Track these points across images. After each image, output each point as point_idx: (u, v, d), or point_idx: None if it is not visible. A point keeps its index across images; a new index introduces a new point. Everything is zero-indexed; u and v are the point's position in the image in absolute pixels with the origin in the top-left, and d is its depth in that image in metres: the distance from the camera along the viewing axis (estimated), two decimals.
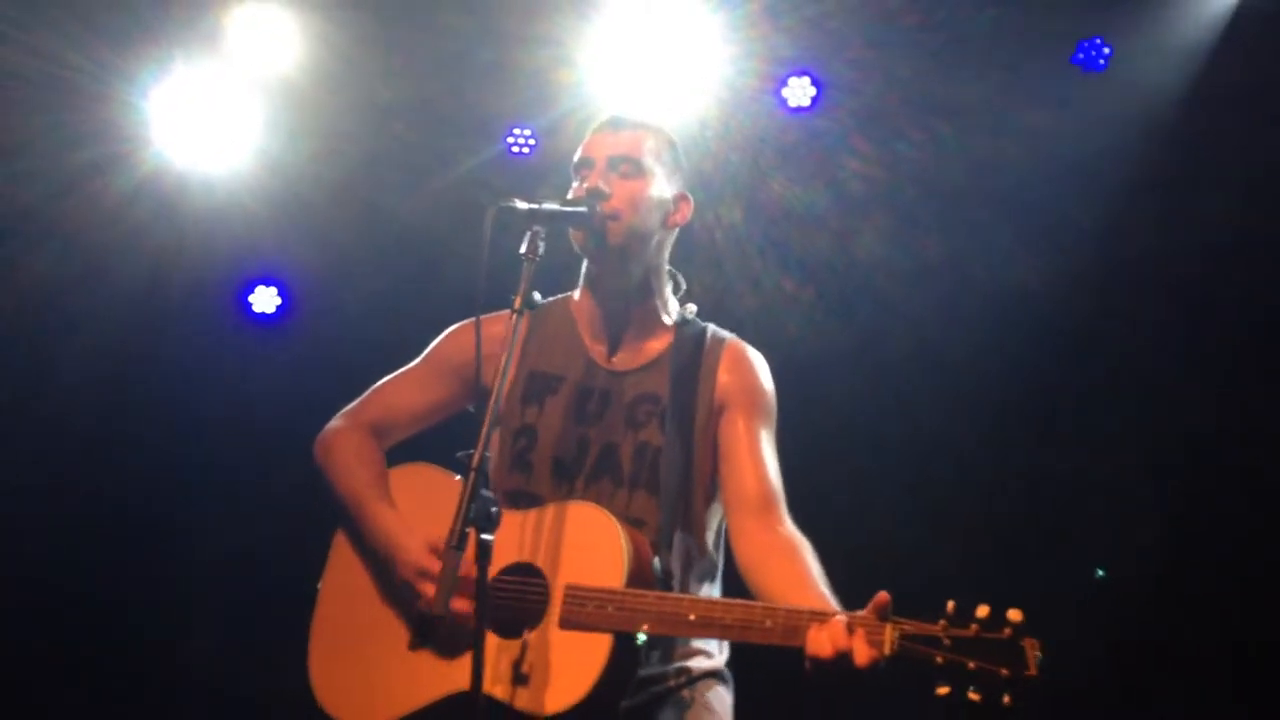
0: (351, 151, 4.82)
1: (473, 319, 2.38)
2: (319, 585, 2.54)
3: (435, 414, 2.59)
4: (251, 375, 5.09)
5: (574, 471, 2.42)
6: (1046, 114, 4.36)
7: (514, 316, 2.22)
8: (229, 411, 5.03)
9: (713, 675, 2.44)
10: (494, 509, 2.06)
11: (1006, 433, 4.48)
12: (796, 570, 2.22)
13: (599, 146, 2.51)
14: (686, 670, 2.39)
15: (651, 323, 2.53)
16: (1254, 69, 4.19)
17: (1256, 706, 4.12)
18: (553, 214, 2.33)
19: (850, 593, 2.17)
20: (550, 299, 2.62)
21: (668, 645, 2.37)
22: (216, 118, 4.69)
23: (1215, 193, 4.29)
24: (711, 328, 2.55)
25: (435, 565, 2.25)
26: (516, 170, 4.82)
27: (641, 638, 2.17)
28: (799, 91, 4.57)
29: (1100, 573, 4.27)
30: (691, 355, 2.48)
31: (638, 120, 2.57)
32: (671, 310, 2.57)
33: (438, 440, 2.55)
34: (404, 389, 2.63)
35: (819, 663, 2.00)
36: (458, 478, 2.41)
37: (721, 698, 2.44)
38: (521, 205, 2.27)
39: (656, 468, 2.38)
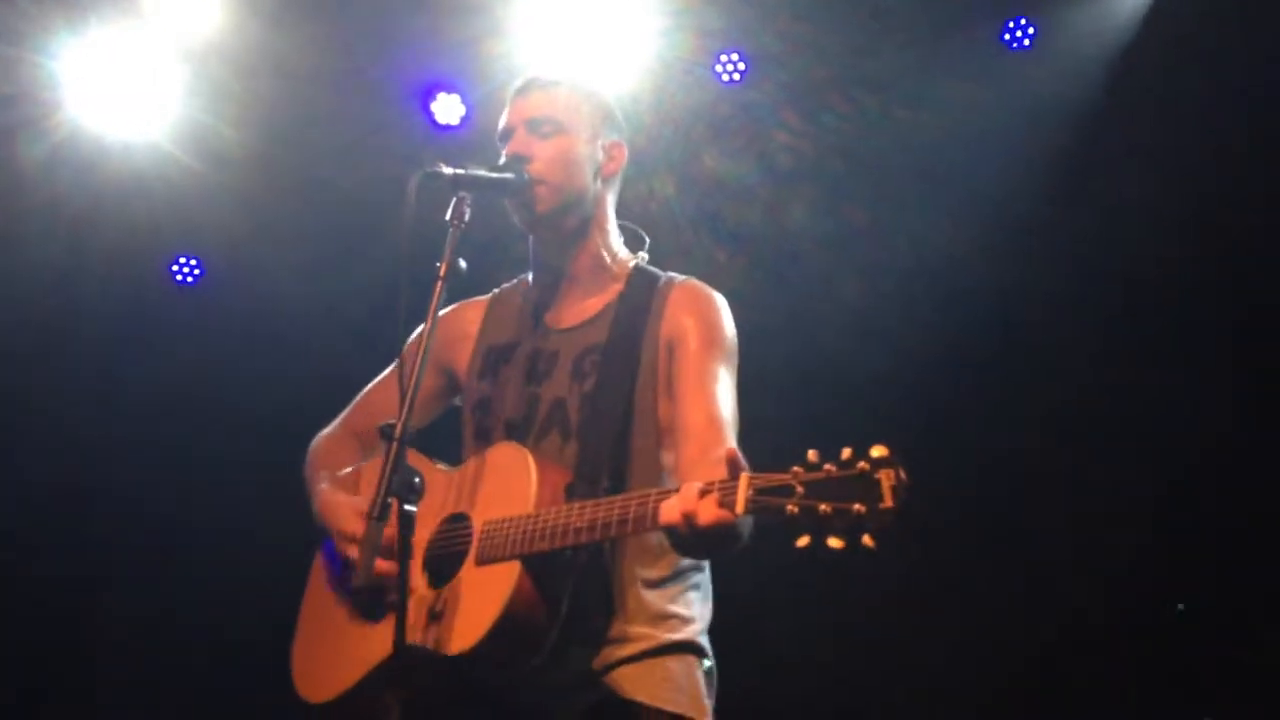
0: (275, 118, 4.72)
1: (442, 312, 2.30)
2: (306, 583, 2.54)
3: (420, 411, 2.47)
4: (173, 345, 5.01)
5: (525, 430, 2.38)
6: (971, 89, 4.43)
7: (438, 283, 2.19)
8: (150, 382, 4.95)
9: (685, 647, 2.29)
10: (416, 479, 2.04)
11: (934, 400, 4.56)
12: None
13: (517, 112, 2.47)
14: (651, 636, 2.27)
15: (600, 277, 2.48)
16: (1179, 49, 4.28)
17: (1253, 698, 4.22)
18: (478, 179, 2.29)
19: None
20: (508, 283, 2.60)
21: (633, 604, 2.27)
22: (133, 82, 4.55)
23: (1138, 170, 4.39)
24: (667, 274, 2.49)
25: (360, 529, 2.24)
26: (445, 140, 4.77)
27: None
28: (729, 65, 4.59)
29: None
30: (640, 299, 2.41)
31: (553, 78, 2.51)
32: (624, 260, 2.51)
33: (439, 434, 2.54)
34: (382, 391, 2.60)
35: (673, 533, 1.95)
36: (438, 464, 2.40)
37: (690, 672, 2.28)
38: (446, 170, 2.24)
39: (592, 411, 2.33)
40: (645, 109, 4.52)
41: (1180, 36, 4.26)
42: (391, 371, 2.61)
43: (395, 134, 4.78)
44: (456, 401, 2.60)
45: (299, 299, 4.91)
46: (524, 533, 2.12)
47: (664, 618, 2.30)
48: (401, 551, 2.01)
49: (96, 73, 4.53)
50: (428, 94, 4.80)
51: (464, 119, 4.80)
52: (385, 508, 2.01)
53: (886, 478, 1.74)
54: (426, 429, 2.52)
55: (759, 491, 1.83)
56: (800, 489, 1.78)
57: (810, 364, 4.60)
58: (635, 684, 2.24)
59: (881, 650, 4.51)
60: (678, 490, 1.97)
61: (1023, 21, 4.46)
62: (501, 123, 2.50)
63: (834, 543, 1.74)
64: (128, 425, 4.97)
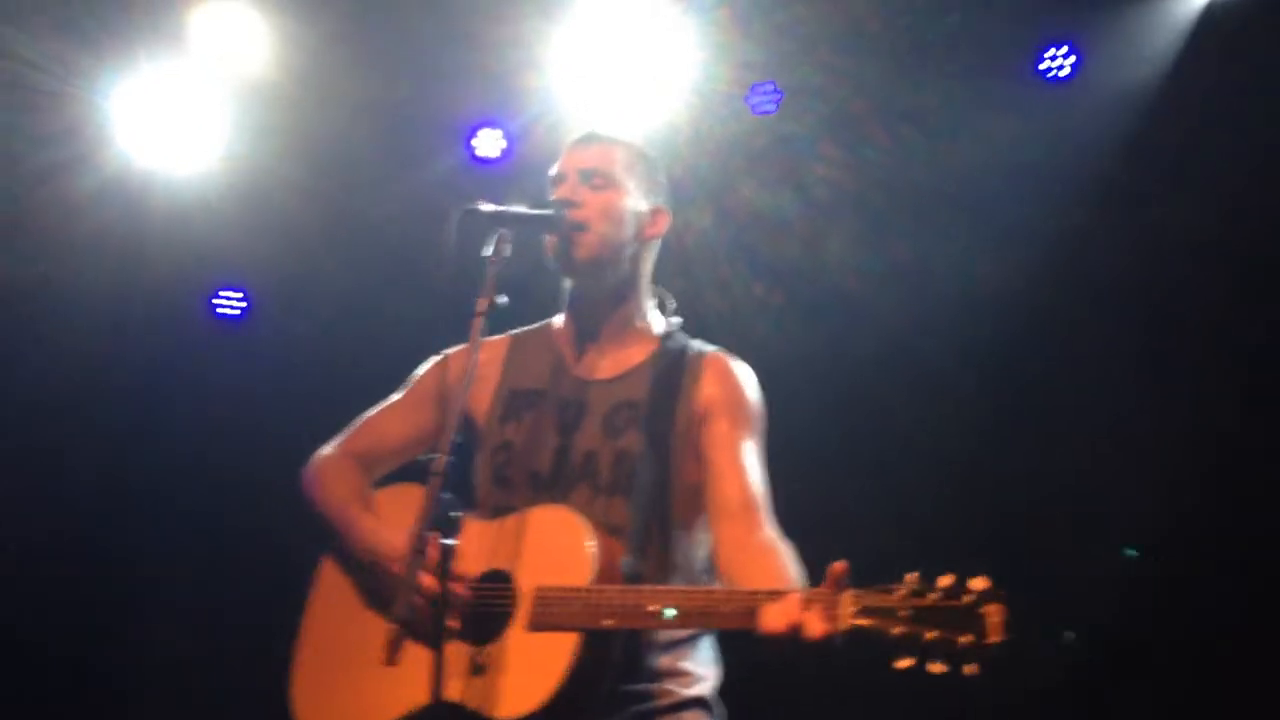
0: (318, 153, 4.78)
1: (460, 346, 2.34)
2: (304, 610, 2.51)
3: (420, 443, 2.55)
4: (216, 379, 5.05)
5: (551, 481, 2.40)
6: (1011, 120, 4.40)
7: (478, 318, 2.21)
8: (193, 415, 4.99)
9: (699, 704, 2.37)
10: (453, 514, 2.04)
11: (976, 433, 4.53)
12: (770, 570, 2.17)
13: (571, 160, 2.53)
14: (670, 693, 2.33)
15: (631, 334, 2.52)
16: (1220, 78, 4.24)
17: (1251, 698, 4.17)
18: (518, 217, 2.32)
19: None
20: (533, 325, 2.63)
21: (649, 663, 2.32)
22: (181, 118, 4.64)
23: (1178, 201, 4.36)
24: (697, 342, 2.55)
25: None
26: (485, 174, 4.82)
27: (670, 612, 2.08)
28: (766, 97, 4.60)
29: (1132, 551, 4.30)
30: (673, 365, 2.46)
31: (610, 135, 2.58)
32: (654, 322, 2.55)
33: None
34: (389, 419, 2.61)
35: (773, 639, 1.97)
36: (445, 495, 2.37)
37: None
38: (486, 208, 2.27)
39: (634, 474, 2.36)
40: (682, 141, 4.54)
41: (1222, 66, 4.23)
42: (395, 399, 2.62)
43: (438, 167, 4.83)
44: (457, 438, 2.58)
45: (342, 331, 4.95)
46: (588, 607, 2.14)
47: (682, 674, 2.37)
48: (442, 589, 2.02)
49: (145, 108, 4.63)
50: (471, 130, 4.85)
51: (504, 152, 4.85)
52: (425, 541, 2.02)
53: (996, 612, 1.82)
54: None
55: (863, 609, 1.90)
56: (905, 612, 1.85)
57: (849, 398, 4.58)
58: None
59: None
60: (775, 595, 2.00)
61: (1064, 50, 4.43)
62: (555, 169, 2.55)
63: (935, 668, 1.82)
64: (170, 458, 5.00)
